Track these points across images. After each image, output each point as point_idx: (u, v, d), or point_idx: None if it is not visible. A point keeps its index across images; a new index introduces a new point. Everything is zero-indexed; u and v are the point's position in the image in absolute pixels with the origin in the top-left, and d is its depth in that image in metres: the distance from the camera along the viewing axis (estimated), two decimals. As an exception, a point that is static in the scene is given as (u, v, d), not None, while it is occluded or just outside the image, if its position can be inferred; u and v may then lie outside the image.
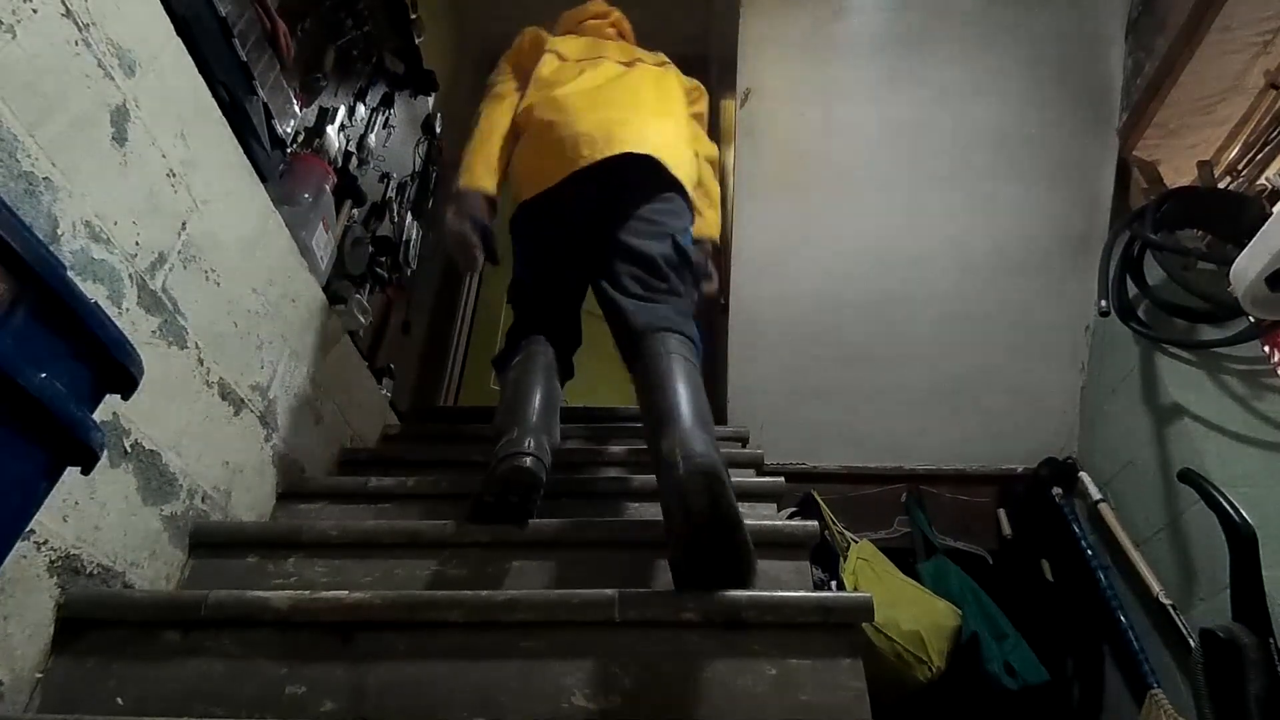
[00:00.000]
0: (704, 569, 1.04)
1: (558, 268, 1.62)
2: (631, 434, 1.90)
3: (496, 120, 1.72)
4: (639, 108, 1.68)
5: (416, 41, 2.31)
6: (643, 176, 1.58)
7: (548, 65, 1.77)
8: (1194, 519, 1.81)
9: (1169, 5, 2.51)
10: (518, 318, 1.64)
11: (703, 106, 1.96)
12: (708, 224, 1.83)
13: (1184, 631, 1.76)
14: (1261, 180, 2.26)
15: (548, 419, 1.35)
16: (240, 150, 1.36)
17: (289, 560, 1.23)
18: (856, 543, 2.18)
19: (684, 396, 1.21)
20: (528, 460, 1.22)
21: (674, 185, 1.60)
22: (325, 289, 1.72)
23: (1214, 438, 1.89)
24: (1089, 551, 2.15)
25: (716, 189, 1.92)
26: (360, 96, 2.03)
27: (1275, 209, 1.54)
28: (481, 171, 1.64)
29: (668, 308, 1.43)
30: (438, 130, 2.55)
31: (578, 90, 1.68)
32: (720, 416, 2.48)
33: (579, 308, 1.67)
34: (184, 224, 1.19)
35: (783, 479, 1.47)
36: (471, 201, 1.60)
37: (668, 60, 1.96)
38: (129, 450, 1.08)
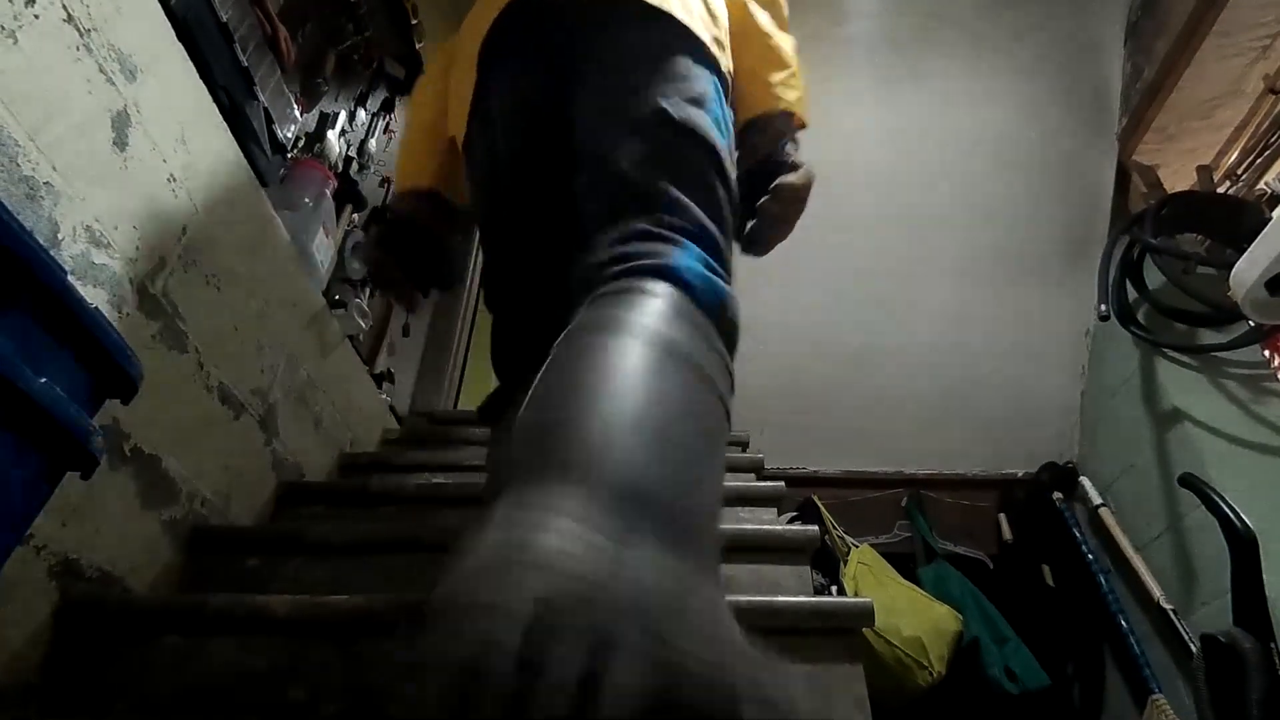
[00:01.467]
0: None
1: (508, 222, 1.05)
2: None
3: (421, 100, 1.28)
4: None
5: (418, 46, 2.31)
6: (617, 22, 0.97)
7: None
8: (1195, 523, 1.80)
9: (1168, 10, 2.52)
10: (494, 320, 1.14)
11: None
12: (777, 90, 1.14)
13: (1185, 636, 1.76)
14: (1261, 185, 2.26)
15: None
16: (241, 155, 1.36)
17: (289, 564, 1.22)
18: (857, 547, 2.19)
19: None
20: None
21: (673, 28, 0.97)
22: (325, 293, 1.72)
23: (1214, 442, 1.89)
24: (1089, 556, 2.14)
25: (778, 37, 1.19)
26: (361, 101, 2.04)
27: (1275, 213, 1.54)
28: (409, 170, 1.23)
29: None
30: (438, 135, 2.55)
31: None
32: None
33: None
34: (184, 229, 1.19)
35: (783, 483, 1.46)
36: (397, 211, 1.20)
37: None
38: (129, 455, 1.07)
